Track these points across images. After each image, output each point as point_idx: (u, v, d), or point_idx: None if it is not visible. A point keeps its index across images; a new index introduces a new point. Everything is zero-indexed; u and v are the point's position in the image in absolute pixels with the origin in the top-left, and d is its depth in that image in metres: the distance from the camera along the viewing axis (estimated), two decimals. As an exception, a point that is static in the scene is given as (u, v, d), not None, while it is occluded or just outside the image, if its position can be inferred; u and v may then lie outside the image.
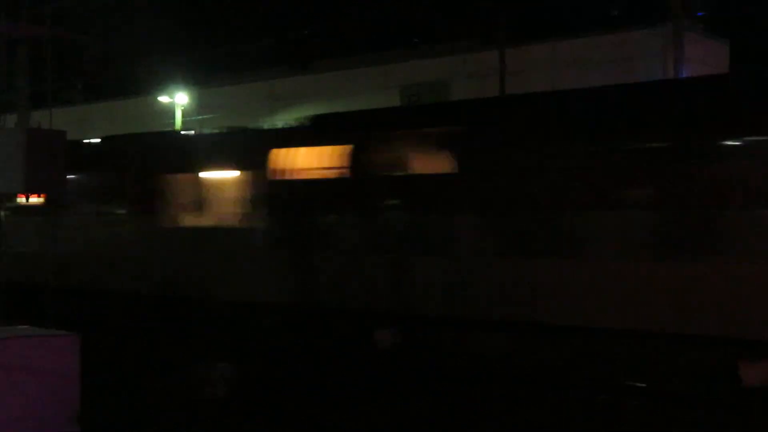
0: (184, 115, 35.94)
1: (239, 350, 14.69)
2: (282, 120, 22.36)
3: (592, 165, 11.85)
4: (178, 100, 35.95)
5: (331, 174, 14.27)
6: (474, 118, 13.80)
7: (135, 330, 16.45)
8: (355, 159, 14.02)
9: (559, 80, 26.09)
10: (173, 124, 35.35)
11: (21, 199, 14.82)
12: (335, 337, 14.11)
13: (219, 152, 16.41)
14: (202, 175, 16.29)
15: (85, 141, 21.42)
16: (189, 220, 16.48)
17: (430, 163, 13.45)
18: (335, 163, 14.26)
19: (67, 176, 9.76)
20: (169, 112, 36.22)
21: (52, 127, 8.65)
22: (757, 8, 29.12)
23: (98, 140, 20.95)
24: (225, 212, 15.81)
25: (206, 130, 24.12)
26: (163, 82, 36.29)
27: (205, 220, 16.16)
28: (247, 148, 15.92)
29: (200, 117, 35.43)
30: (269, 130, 17.61)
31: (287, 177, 14.86)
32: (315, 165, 14.57)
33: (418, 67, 31.48)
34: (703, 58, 25.58)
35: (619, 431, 10.13)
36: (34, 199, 14.97)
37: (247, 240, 15.33)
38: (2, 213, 13.88)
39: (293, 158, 14.92)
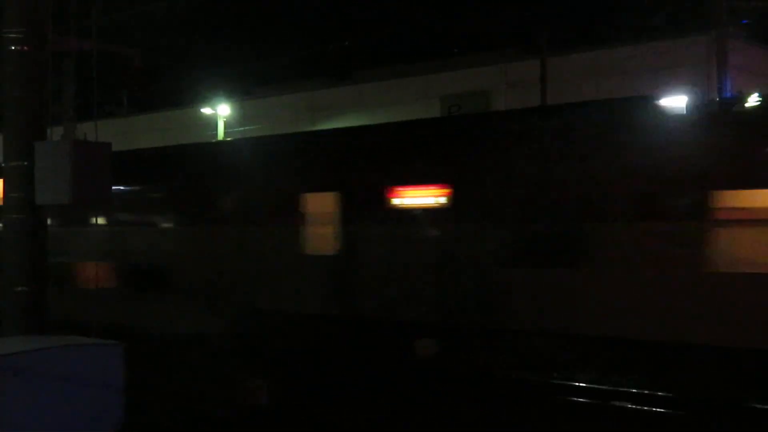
0: (226, 127, 36.30)
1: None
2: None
3: None
4: (221, 111, 36.32)
5: None
6: None
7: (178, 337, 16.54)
8: None
9: (602, 89, 25.89)
10: (216, 135, 35.72)
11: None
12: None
13: None
14: None
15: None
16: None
17: None
18: None
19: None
20: (211, 123, 36.60)
21: (98, 138, 8.74)
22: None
23: None
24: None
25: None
26: (206, 94, 36.72)
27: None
28: None
29: (242, 128, 35.74)
30: None
31: None
32: None
33: (459, 77, 31.43)
34: (749, 65, 25.22)
35: None
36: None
37: None
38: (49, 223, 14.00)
39: None
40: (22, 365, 7.29)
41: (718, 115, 11.45)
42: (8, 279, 8.69)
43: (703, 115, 11.42)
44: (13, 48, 8.62)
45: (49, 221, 9.11)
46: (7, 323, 8.68)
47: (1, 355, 7.23)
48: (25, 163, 8.54)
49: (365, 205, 13.35)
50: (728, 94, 20.86)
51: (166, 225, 17.26)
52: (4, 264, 8.76)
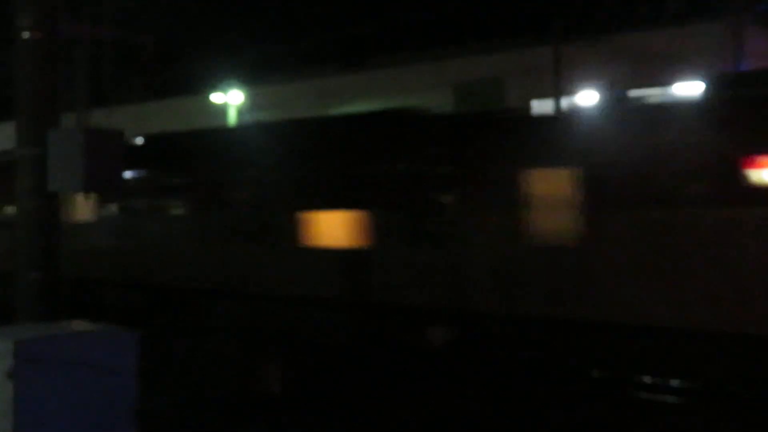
0: (238, 113, 36.29)
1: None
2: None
3: None
4: (232, 98, 36.29)
5: None
6: None
7: (190, 325, 16.62)
8: None
9: (616, 75, 25.72)
10: (227, 121, 35.74)
11: None
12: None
13: None
14: None
15: None
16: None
17: None
18: None
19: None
20: (224, 109, 36.60)
21: (111, 125, 8.75)
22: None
23: None
24: None
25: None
26: (218, 81, 36.69)
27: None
28: None
29: (254, 114, 35.72)
30: None
31: None
32: None
33: (472, 64, 31.26)
34: (765, 52, 25.00)
35: None
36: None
37: None
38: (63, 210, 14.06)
39: None
40: (36, 351, 7.32)
41: None
42: (22, 265, 8.74)
43: None
44: (25, 35, 8.63)
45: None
46: (21, 309, 8.73)
47: (16, 341, 7.26)
48: (38, 150, 8.57)
49: None
50: None
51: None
52: (18, 250, 8.81)
